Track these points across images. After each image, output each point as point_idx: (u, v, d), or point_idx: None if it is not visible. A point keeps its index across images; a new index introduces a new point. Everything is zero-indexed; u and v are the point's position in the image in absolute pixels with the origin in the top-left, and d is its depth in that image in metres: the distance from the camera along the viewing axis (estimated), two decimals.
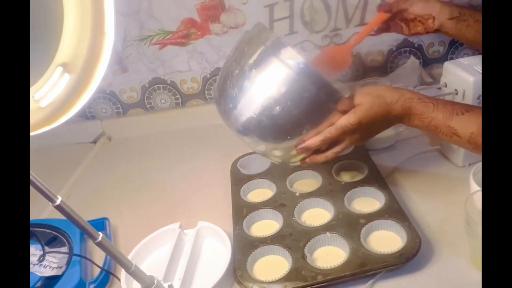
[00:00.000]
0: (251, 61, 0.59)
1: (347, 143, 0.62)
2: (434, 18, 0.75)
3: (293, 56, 0.56)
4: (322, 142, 0.60)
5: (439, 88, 0.75)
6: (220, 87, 0.64)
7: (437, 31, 0.77)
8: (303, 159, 0.65)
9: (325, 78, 0.57)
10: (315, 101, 0.57)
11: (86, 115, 1.15)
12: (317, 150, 0.63)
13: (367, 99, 0.59)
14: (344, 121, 0.58)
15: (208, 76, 1.08)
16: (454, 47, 1.06)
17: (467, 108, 0.57)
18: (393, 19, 0.80)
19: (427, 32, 0.78)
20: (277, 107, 0.57)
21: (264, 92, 0.58)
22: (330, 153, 0.63)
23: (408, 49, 1.06)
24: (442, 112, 0.57)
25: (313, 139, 0.60)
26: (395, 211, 0.64)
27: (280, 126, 0.59)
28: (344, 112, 0.59)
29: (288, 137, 0.60)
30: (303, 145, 0.60)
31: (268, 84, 0.58)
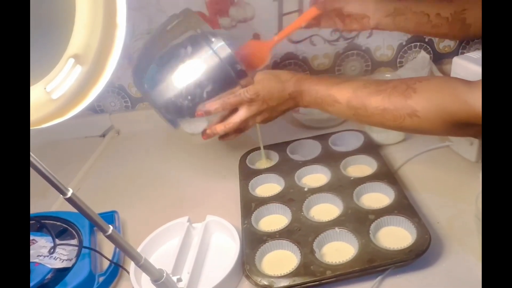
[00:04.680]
0: (177, 40, 0.66)
1: (245, 113, 0.67)
2: (369, 17, 0.76)
3: (220, 44, 0.64)
4: (221, 105, 0.66)
5: None
6: (140, 69, 0.71)
7: (374, 28, 0.78)
8: (204, 131, 0.70)
9: (236, 59, 0.65)
10: (223, 75, 0.65)
11: (95, 108, 1.15)
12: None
13: (265, 76, 0.67)
14: (243, 90, 0.66)
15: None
16: (465, 42, 1.05)
17: (346, 79, 0.63)
18: (325, 15, 0.80)
19: (363, 30, 0.80)
20: (196, 85, 0.65)
21: (189, 73, 0.65)
22: (228, 122, 0.68)
23: (418, 43, 1.05)
24: (325, 83, 0.64)
25: (212, 103, 0.66)
26: (404, 207, 0.64)
27: (188, 93, 0.66)
28: (245, 86, 0.66)
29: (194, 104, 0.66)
30: (203, 108, 0.66)
31: (193, 66, 0.65)
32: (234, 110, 0.68)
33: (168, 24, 0.69)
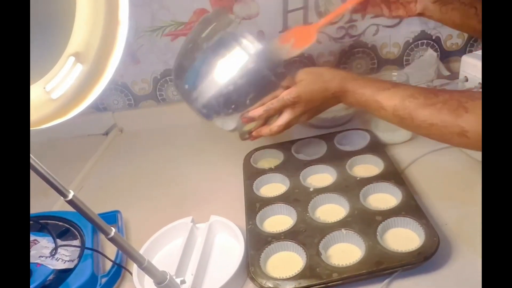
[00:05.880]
0: (210, 43, 0.65)
1: (289, 116, 0.67)
2: (416, 1, 0.73)
3: (250, 40, 0.63)
4: (265, 112, 0.66)
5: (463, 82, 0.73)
6: (177, 70, 0.71)
7: (420, 15, 0.74)
8: (250, 133, 0.71)
9: (276, 60, 0.66)
10: (263, 80, 0.64)
11: (98, 106, 1.15)
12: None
13: (307, 76, 0.66)
14: (285, 94, 0.64)
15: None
16: (473, 39, 1.03)
17: (393, 85, 0.61)
18: (371, 1, 0.78)
19: (409, 16, 0.76)
20: (231, 86, 0.64)
21: (221, 73, 0.64)
22: (273, 126, 0.68)
23: (425, 41, 1.03)
24: (371, 88, 0.61)
25: (256, 110, 0.66)
26: (412, 208, 0.63)
27: (232, 102, 0.65)
28: (287, 87, 0.65)
29: (237, 111, 0.66)
30: (247, 115, 0.66)
31: (224, 65, 0.64)
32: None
33: (203, 30, 0.68)
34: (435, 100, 0.55)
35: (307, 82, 0.65)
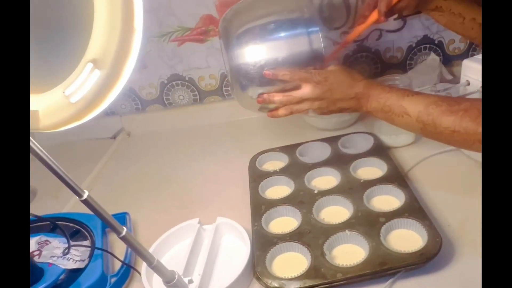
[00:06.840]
0: (279, 20, 0.68)
1: (307, 92, 0.67)
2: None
3: (317, 38, 0.66)
4: (290, 73, 0.66)
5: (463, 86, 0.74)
6: (233, 28, 0.70)
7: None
8: (260, 95, 0.70)
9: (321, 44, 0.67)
10: (303, 49, 0.67)
11: (106, 110, 1.15)
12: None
13: (339, 68, 0.68)
14: (315, 70, 0.67)
15: (226, 72, 1.07)
16: (475, 44, 1.04)
17: (416, 92, 0.63)
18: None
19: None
20: (279, 58, 0.66)
21: (278, 48, 0.67)
22: (287, 95, 0.68)
23: (428, 45, 1.05)
24: (396, 93, 0.63)
25: (283, 68, 0.66)
26: (415, 209, 0.64)
27: (265, 54, 0.67)
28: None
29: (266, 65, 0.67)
30: (272, 70, 0.66)
31: (285, 43, 0.67)
32: (296, 87, 0.68)
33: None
34: (457, 107, 0.56)
35: (338, 72, 0.67)
